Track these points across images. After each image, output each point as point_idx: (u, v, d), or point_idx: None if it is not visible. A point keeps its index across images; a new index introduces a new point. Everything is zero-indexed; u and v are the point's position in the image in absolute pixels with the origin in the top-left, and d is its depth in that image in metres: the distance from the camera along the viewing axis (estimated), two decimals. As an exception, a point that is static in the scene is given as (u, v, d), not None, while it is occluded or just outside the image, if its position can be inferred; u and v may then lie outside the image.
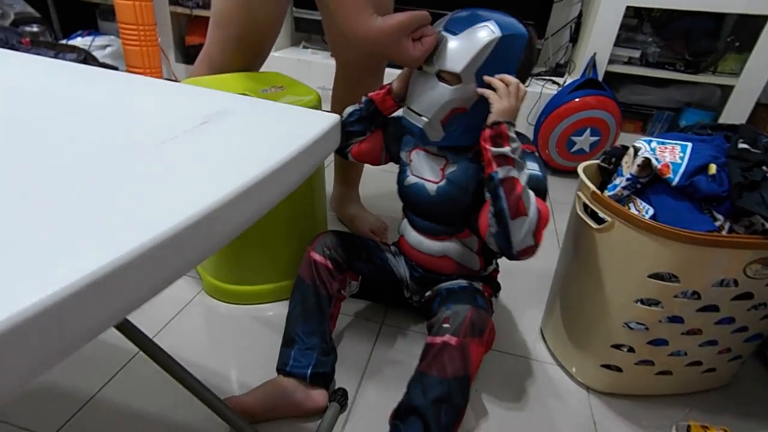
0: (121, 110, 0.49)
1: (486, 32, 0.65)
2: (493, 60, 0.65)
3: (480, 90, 0.67)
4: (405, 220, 0.86)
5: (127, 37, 1.77)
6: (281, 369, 0.76)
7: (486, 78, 0.67)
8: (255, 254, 0.96)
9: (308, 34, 2.07)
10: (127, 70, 1.83)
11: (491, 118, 0.66)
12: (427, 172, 0.77)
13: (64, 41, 1.93)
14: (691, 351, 0.77)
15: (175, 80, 2.02)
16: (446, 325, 0.67)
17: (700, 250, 0.66)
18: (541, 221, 0.64)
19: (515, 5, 1.76)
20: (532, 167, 0.69)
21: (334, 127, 0.50)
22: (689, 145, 0.73)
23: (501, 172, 0.64)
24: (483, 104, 0.67)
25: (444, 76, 0.67)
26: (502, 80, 0.66)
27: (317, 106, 0.91)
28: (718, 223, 0.68)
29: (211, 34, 0.99)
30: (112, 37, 1.99)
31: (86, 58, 1.70)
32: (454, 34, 0.66)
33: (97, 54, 1.84)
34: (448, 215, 0.77)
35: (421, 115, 0.70)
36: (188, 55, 2.08)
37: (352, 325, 0.95)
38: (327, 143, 0.49)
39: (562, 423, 0.78)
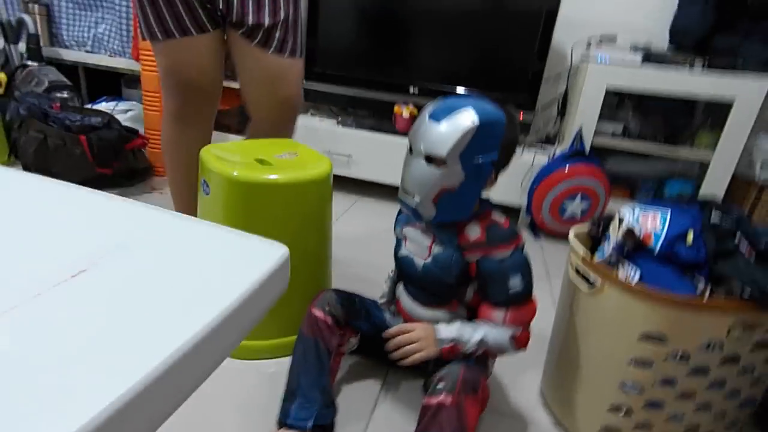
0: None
1: (466, 118, 0.71)
2: (475, 143, 0.72)
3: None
4: (401, 285, 0.91)
5: (149, 103, 1.92)
6: (282, 422, 0.77)
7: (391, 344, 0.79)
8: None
9: (315, 103, 2.25)
10: (146, 132, 1.96)
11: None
12: (417, 246, 0.84)
13: (89, 106, 2.08)
14: (687, 416, 0.79)
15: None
16: (440, 386, 0.70)
17: (683, 313, 0.70)
18: (520, 341, 0.79)
19: (507, 83, 1.95)
20: (514, 281, 0.77)
21: (285, 262, 0.38)
22: (668, 211, 0.80)
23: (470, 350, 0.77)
24: (470, 183, 0.74)
25: (431, 160, 0.74)
26: (402, 333, 0.79)
27: (330, 172, 0.99)
28: (700, 287, 0.73)
29: (165, 87, 1.12)
30: (134, 102, 2.15)
31: (109, 121, 1.84)
32: (438, 121, 0.73)
33: (120, 117, 1.98)
34: (435, 288, 0.84)
35: (413, 196, 0.77)
36: (204, 119, 2.23)
37: (352, 384, 0.96)
38: (275, 286, 0.37)
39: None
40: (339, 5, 1.99)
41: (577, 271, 0.83)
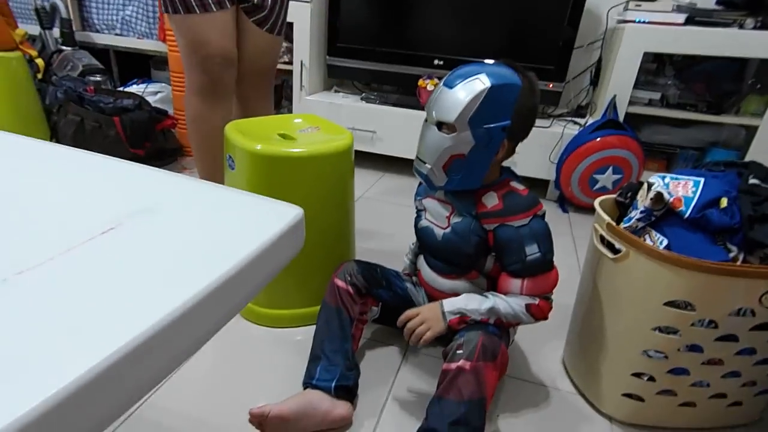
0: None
1: (477, 84, 0.70)
2: (485, 108, 0.71)
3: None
4: (421, 257, 0.92)
5: (177, 84, 1.97)
6: (308, 383, 0.81)
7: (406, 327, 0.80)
8: (289, 281, 1.03)
9: (339, 79, 2.24)
10: (175, 113, 2.02)
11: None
12: (436, 217, 0.84)
13: (121, 88, 2.16)
14: (713, 382, 0.78)
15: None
16: (460, 351, 0.72)
17: (713, 280, 0.68)
18: (537, 311, 0.78)
19: (537, 52, 1.88)
20: (531, 248, 0.76)
21: (299, 223, 0.39)
22: (701, 180, 0.77)
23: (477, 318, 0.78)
24: (480, 150, 0.73)
25: (442, 126, 0.74)
26: (409, 319, 0.80)
27: (351, 145, 1.00)
28: (732, 255, 0.70)
29: (187, 63, 1.15)
30: (163, 84, 2.21)
31: (140, 103, 1.90)
32: (451, 87, 0.72)
33: (150, 99, 2.04)
34: (455, 258, 0.84)
35: (425, 162, 0.77)
36: (230, 99, 2.27)
37: (376, 350, 0.99)
38: (289, 244, 0.38)
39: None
40: (361, -23, 1.95)
41: (602, 239, 0.82)
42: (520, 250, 0.76)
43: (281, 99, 2.27)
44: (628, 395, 0.81)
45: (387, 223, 1.56)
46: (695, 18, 1.61)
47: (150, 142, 1.86)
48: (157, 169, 0.47)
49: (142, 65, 2.43)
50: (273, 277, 0.38)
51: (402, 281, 0.95)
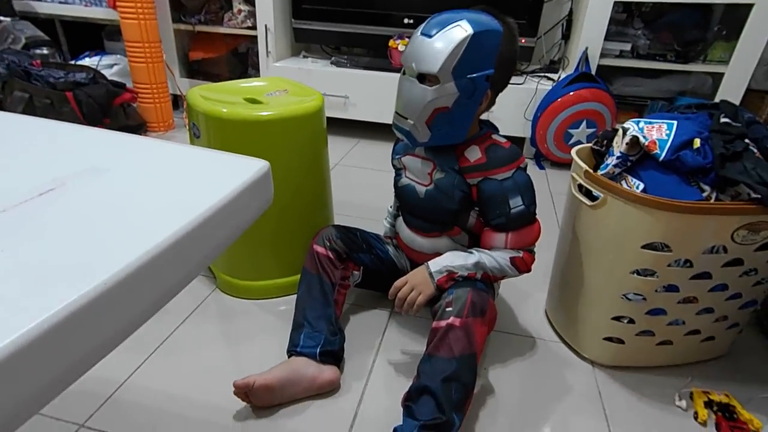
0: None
1: (458, 31, 0.67)
2: (468, 56, 0.68)
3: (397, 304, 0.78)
4: (400, 218, 0.91)
5: (134, 54, 1.84)
6: (292, 350, 0.81)
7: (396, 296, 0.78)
8: (267, 251, 1.01)
9: (307, 44, 2.14)
10: (134, 86, 1.90)
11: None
12: (417, 175, 0.82)
13: (72, 62, 2.01)
14: (688, 320, 0.81)
15: (181, 94, 2.09)
16: (449, 309, 0.71)
17: (688, 219, 0.69)
18: (522, 263, 0.78)
19: (507, 7, 1.82)
20: (515, 201, 0.75)
21: (264, 176, 0.38)
22: (674, 122, 0.77)
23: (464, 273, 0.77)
24: (464, 101, 0.71)
25: (424, 78, 0.71)
26: (397, 290, 0.78)
27: (322, 105, 0.96)
28: (705, 194, 0.71)
29: None
30: (119, 56, 2.06)
31: (95, 76, 1.77)
32: (430, 37, 0.69)
33: (105, 72, 1.91)
34: (437, 215, 0.82)
35: (406, 118, 0.74)
36: (192, 70, 2.15)
37: (361, 315, 0.99)
38: (255, 198, 0.37)
39: (569, 396, 0.81)
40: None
41: (580, 188, 0.82)
42: (505, 203, 0.75)
43: (247, 68, 2.17)
44: (609, 339, 0.84)
45: (364, 189, 1.53)
46: (664, -36, 1.59)
47: (109, 118, 1.76)
48: (108, 130, 0.44)
49: (93, 36, 2.25)
50: (241, 231, 0.36)
51: (383, 244, 0.94)
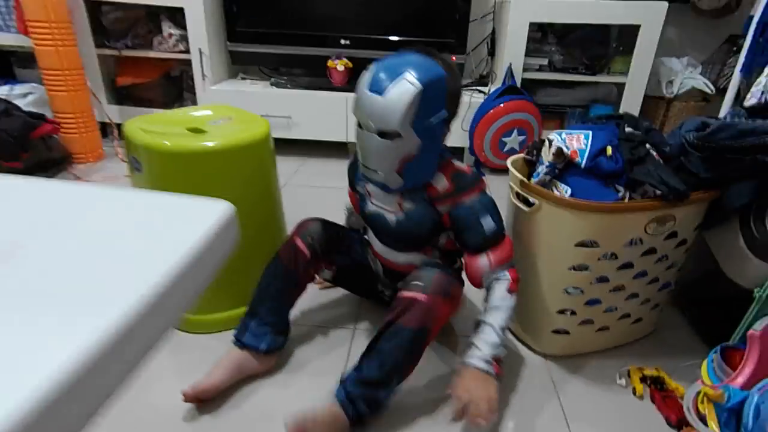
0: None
1: (407, 87, 0.68)
2: (422, 108, 0.70)
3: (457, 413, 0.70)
4: (370, 232, 0.93)
5: (52, 82, 1.72)
6: (238, 339, 0.85)
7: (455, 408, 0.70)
8: (218, 283, 0.97)
9: (243, 65, 2.12)
10: (54, 116, 1.77)
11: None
12: (385, 203, 0.84)
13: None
14: (620, 305, 0.91)
15: (110, 122, 1.98)
16: (416, 283, 0.76)
17: (609, 218, 0.79)
18: (515, 286, 0.79)
19: (437, 26, 1.94)
20: (486, 222, 0.78)
21: (231, 219, 0.37)
22: (590, 132, 0.88)
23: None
24: (428, 145, 0.74)
25: (384, 135, 0.72)
26: (459, 399, 0.70)
27: (268, 132, 0.97)
28: (620, 194, 0.82)
29: None
30: (33, 84, 1.91)
31: (7, 108, 1.63)
32: (381, 93, 0.69)
33: (19, 103, 1.76)
34: (409, 241, 0.86)
35: (376, 171, 0.76)
36: (121, 95, 2.04)
37: (331, 310, 1.02)
38: (223, 244, 0.36)
39: (526, 387, 0.88)
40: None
41: (517, 195, 0.90)
42: (478, 224, 0.78)
43: (182, 91, 2.10)
44: (557, 331, 0.92)
45: (316, 207, 1.52)
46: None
47: (27, 152, 1.62)
48: (50, 179, 0.42)
49: (1, 64, 2.07)
50: (211, 278, 0.35)
51: (362, 246, 0.96)
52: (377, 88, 0.70)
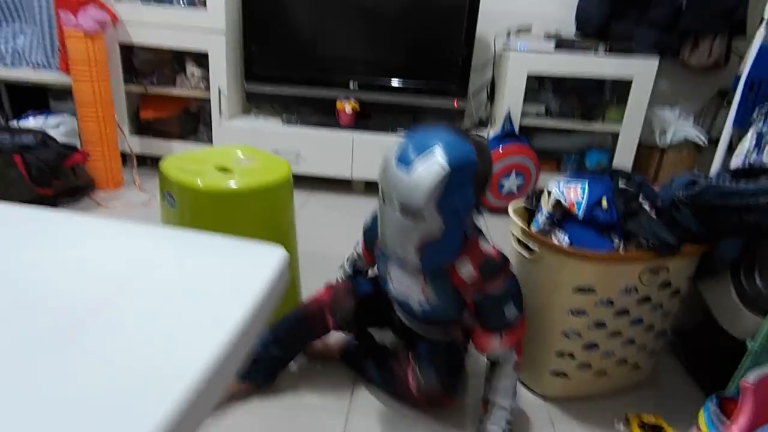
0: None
1: (436, 168, 0.67)
2: (449, 189, 0.68)
3: None
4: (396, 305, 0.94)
5: (85, 116, 1.82)
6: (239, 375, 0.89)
7: None
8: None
9: (257, 104, 2.24)
10: (83, 147, 1.86)
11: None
12: (408, 290, 0.84)
13: (16, 122, 1.93)
14: (617, 351, 0.95)
15: (131, 152, 2.06)
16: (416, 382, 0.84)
17: (605, 266, 0.85)
18: (519, 359, 0.84)
19: (440, 72, 2.06)
20: (509, 309, 0.79)
21: (284, 264, 0.39)
22: (586, 182, 0.94)
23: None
24: (450, 228, 0.72)
25: (407, 212, 0.70)
26: None
27: (290, 174, 1.04)
28: (615, 244, 0.88)
29: None
30: (65, 115, 2.01)
31: (44, 139, 1.73)
32: (407, 168, 0.68)
33: (51, 132, 1.85)
34: (433, 323, 0.89)
35: (394, 249, 0.76)
36: (142, 127, 2.14)
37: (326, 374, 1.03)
38: (279, 288, 0.37)
39: (525, 428, 0.91)
40: (273, 9, 1.99)
41: (518, 241, 0.96)
42: (501, 312, 0.79)
43: (198, 125, 2.20)
44: (556, 373, 0.95)
45: (323, 242, 1.60)
46: (562, 45, 1.93)
47: (59, 179, 1.70)
48: (108, 219, 0.45)
49: (38, 97, 2.19)
50: (267, 323, 0.37)
51: (391, 318, 0.97)
52: (405, 162, 0.69)
